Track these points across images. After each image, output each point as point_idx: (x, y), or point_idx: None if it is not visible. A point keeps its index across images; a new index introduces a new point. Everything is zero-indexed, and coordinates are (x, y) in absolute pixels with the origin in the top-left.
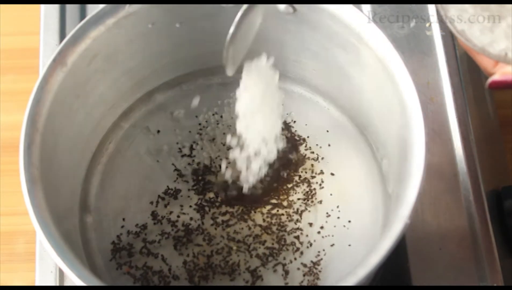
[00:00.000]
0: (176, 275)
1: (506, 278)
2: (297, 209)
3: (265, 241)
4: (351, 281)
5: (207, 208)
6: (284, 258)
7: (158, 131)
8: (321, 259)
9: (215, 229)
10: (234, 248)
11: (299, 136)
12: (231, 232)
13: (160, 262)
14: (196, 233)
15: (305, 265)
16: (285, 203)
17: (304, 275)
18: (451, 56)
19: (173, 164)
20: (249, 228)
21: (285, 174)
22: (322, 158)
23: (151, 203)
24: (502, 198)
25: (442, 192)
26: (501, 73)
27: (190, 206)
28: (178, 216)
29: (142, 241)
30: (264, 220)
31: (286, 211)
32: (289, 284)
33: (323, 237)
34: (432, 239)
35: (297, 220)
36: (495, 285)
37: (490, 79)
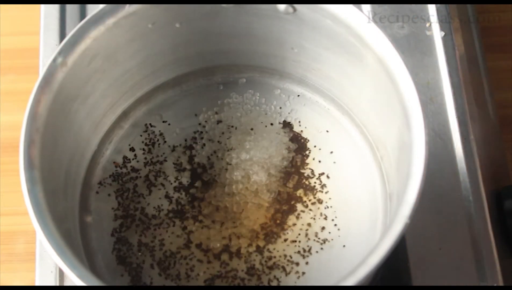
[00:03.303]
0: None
1: (506, 278)
2: (296, 209)
3: (262, 239)
4: (351, 281)
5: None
6: (284, 257)
7: (158, 131)
8: (320, 259)
9: (214, 227)
10: (218, 245)
11: (302, 136)
12: (227, 232)
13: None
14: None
15: (303, 266)
16: (284, 203)
17: (302, 276)
18: (451, 56)
19: (173, 164)
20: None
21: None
22: (322, 158)
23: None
24: (502, 198)
25: (442, 192)
26: None
27: (189, 207)
28: (177, 212)
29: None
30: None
31: (285, 211)
32: (287, 284)
33: (321, 237)
34: (432, 239)
35: (296, 220)
36: (495, 285)
37: None
